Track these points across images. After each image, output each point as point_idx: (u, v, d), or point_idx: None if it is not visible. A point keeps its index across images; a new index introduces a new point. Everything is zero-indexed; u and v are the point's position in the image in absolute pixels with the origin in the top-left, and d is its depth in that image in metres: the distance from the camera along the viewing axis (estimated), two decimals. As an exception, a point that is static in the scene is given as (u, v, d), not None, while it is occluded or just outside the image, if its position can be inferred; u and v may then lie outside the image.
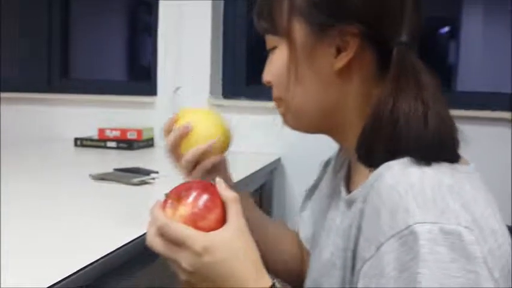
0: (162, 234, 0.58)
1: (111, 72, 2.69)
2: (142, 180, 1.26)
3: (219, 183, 0.61)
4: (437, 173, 0.54)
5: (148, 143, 2.08)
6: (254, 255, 0.59)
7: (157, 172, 1.35)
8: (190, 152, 0.73)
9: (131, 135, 2.00)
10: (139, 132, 2.01)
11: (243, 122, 1.96)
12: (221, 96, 2.19)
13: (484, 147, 1.51)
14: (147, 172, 1.36)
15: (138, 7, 2.54)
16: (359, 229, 0.57)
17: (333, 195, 0.75)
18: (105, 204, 1.06)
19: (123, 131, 2.00)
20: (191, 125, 0.73)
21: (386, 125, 0.57)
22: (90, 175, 1.28)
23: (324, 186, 0.83)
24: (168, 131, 0.75)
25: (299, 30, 0.63)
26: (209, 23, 2.08)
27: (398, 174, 0.53)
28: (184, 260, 0.57)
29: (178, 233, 0.57)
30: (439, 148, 0.56)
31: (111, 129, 2.00)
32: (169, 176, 1.31)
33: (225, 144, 0.75)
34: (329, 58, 0.62)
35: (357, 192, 0.62)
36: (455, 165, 0.56)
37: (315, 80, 0.64)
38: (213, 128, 0.74)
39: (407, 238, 0.48)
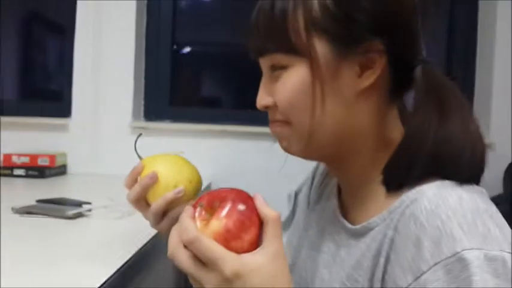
0: (191, 248, 0.50)
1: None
2: (78, 213, 1.09)
3: (258, 198, 0.53)
4: (472, 196, 0.52)
5: (61, 170, 1.87)
6: (287, 284, 0.52)
7: (90, 203, 1.19)
8: (156, 203, 0.67)
9: (43, 162, 1.78)
10: (52, 158, 1.80)
11: (166, 145, 1.85)
12: (143, 118, 2.05)
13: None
14: (77, 203, 1.20)
15: (30, 21, 2.31)
16: (387, 258, 0.53)
17: (323, 227, 0.70)
18: (45, 242, 0.90)
19: (33, 157, 1.77)
20: (156, 174, 0.68)
21: (422, 147, 0.55)
22: (12, 208, 1.09)
23: (300, 219, 0.79)
24: (131, 182, 0.69)
25: (320, 47, 0.56)
26: (132, 39, 1.95)
27: (436, 199, 0.51)
28: (210, 282, 0.50)
29: (210, 252, 0.49)
30: (474, 170, 0.56)
31: (19, 155, 1.77)
32: (107, 206, 1.19)
33: (193, 190, 0.70)
34: (352, 77, 0.57)
35: (374, 221, 0.58)
36: (475, 186, 0.55)
37: (337, 102, 0.58)
38: (180, 174, 0.69)
39: (454, 266, 0.46)
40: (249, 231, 0.51)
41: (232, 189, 0.55)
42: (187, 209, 0.54)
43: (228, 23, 2.20)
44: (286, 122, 0.61)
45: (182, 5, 2.16)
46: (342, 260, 0.62)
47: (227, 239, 0.50)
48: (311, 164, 0.77)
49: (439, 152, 0.54)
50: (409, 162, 0.56)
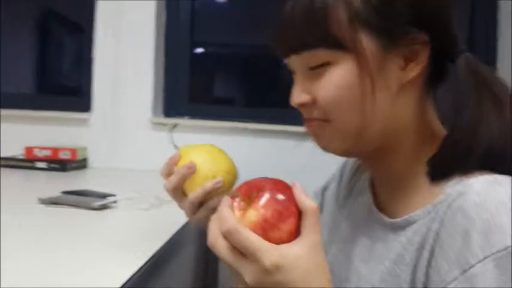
0: (229, 239, 0.50)
1: (20, 85, 2.41)
2: (104, 205, 1.10)
3: (297, 188, 0.52)
4: None
5: (82, 164, 1.88)
6: (326, 277, 0.51)
7: (114, 195, 1.20)
8: (195, 193, 0.67)
9: (64, 155, 1.79)
10: (73, 151, 1.81)
11: (185, 141, 1.85)
12: (162, 115, 2.05)
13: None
14: (102, 195, 1.20)
15: (47, 17, 2.32)
16: (431, 252, 0.53)
17: (355, 222, 0.70)
18: (74, 233, 0.90)
19: (55, 151, 1.79)
20: (194, 164, 0.67)
21: (478, 141, 0.54)
22: (39, 199, 1.10)
23: (328, 216, 0.79)
24: (167, 172, 0.69)
25: (366, 41, 0.55)
26: (152, 37, 1.96)
27: (484, 192, 0.50)
28: (249, 273, 0.49)
29: (249, 242, 0.49)
30: None
31: (41, 148, 1.78)
32: (132, 198, 1.19)
33: (230, 181, 0.69)
34: (397, 70, 0.57)
35: (416, 214, 0.57)
36: None
37: (385, 96, 0.57)
38: (217, 165, 0.69)
39: (504, 259, 0.46)
40: (287, 221, 0.50)
41: (271, 179, 0.54)
42: (226, 199, 0.54)
43: (245, 24, 2.21)
44: (325, 120, 0.59)
45: (200, 6, 2.16)
46: (379, 254, 0.62)
47: (265, 229, 0.49)
48: (332, 161, 0.76)
49: (496, 146, 0.54)
50: (463, 155, 0.55)
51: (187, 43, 2.09)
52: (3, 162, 1.76)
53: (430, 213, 0.56)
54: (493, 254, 0.46)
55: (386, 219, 0.63)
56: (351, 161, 0.80)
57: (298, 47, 0.58)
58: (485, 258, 0.46)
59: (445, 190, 0.55)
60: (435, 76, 0.60)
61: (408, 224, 0.58)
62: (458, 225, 0.50)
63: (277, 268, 0.48)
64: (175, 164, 0.69)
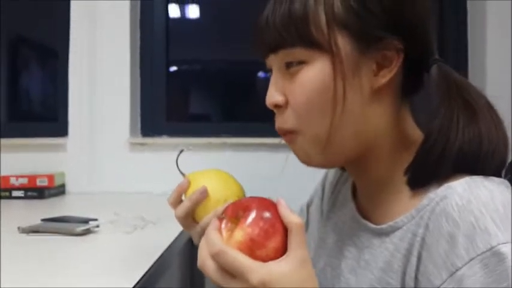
0: (217, 260, 0.51)
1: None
2: (86, 230, 1.08)
3: (281, 205, 0.52)
4: (501, 190, 0.52)
5: (60, 190, 1.85)
6: None
7: (96, 219, 1.18)
8: (209, 217, 0.66)
9: (41, 182, 1.75)
10: (50, 178, 1.77)
11: (165, 159, 1.84)
12: (140, 135, 2.04)
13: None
14: (84, 220, 1.18)
15: (17, 42, 2.29)
16: (419, 257, 0.53)
17: (341, 233, 0.70)
18: (57, 260, 0.88)
19: (32, 178, 1.75)
20: (207, 189, 0.67)
21: (450, 146, 0.55)
22: (19, 228, 1.07)
23: (314, 230, 0.79)
24: (177, 199, 0.70)
25: (342, 42, 0.56)
26: (127, 57, 1.94)
27: (467, 194, 0.51)
28: None
29: (236, 262, 0.50)
30: (497, 163, 0.56)
31: (17, 176, 1.74)
32: (114, 222, 1.17)
33: None
34: (369, 75, 0.57)
35: (401, 220, 0.58)
36: (500, 179, 0.55)
37: (356, 99, 0.57)
38: (228, 189, 0.69)
39: (490, 260, 0.47)
40: (273, 238, 0.51)
41: (256, 198, 0.55)
42: (213, 221, 0.54)
43: (217, 40, 2.22)
44: (294, 132, 0.60)
45: (174, 24, 2.16)
46: (367, 263, 0.62)
47: (251, 248, 0.50)
48: (311, 170, 0.77)
49: (470, 150, 0.54)
50: (437, 161, 0.55)
51: (163, 61, 2.09)
52: (-23, 193, 1.71)
53: (414, 218, 0.56)
54: (479, 255, 0.47)
55: (371, 225, 0.63)
56: (331, 174, 0.81)
57: (277, 46, 0.59)
58: (471, 260, 0.47)
59: (426, 194, 0.56)
60: (410, 84, 0.61)
61: (393, 230, 0.58)
62: (443, 229, 0.50)
63: (263, 284, 0.48)
64: (185, 191, 0.69)
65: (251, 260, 0.50)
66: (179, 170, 0.71)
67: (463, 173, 0.54)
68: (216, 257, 0.51)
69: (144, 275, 0.77)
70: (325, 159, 0.61)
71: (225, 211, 0.55)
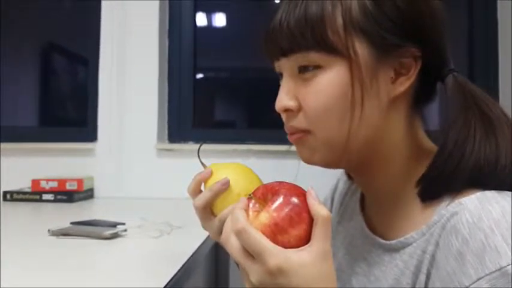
0: (239, 238, 0.50)
1: (22, 119, 2.42)
2: (114, 234, 1.10)
3: (311, 195, 0.51)
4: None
5: (89, 194, 1.89)
6: (332, 286, 0.50)
7: (124, 224, 1.20)
8: (229, 210, 0.63)
9: (71, 186, 1.80)
10: (79, 182, 1.82)
11: (191, 166, 1.86)
12: (167, 141, 2.07)
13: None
14: (112, 224, 1.21)
15: (49, 50, 2.36)
16: (427, 275, 0.52)
17: (350, 247, 0.68)
18: (86, 263, 0.90)
19: (62, 182, 1.79)
20: (229, 180, 0.64)
21: (467, 159, 0.53)
22: (49, 231, 1.10)
23: None
24: (196, 189, 0.67)
25: (360, 48, 0.54)
26: (155, 64, 1.98)
27: (478, 211, 0.49)
28: (254, 273, 0.49)
29: (256, 243, 0.49)
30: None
31: (47, 180, 1.79)
32: (141, 226, 1.20)
33: None
34: (387, 82, 0.56)
35: (411, 236, 0.56)
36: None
37: (374, 106, 0.56)
38: (250, 184, 0.65)
39: (498, 281, 0.45)
40: (298, 227, 0.50)
41: (288, 184, 0.54)
42: (242, 200, 0.53)
43: (245, 48, 2.25)
44: (306, 131, 0.58)
45: (201, 33, 2.20)
46: (376, 279, 0.60)
47: (274, 232, 0.49)
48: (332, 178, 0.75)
49: (487, 164, 0.52)
50: (451, 174, 0.53)
51: (190, 69, 2.12)
52: (9, 196, 1.76)
53: (424, 235, 0.54)
54: (487, 275, 0.45)
55: (381, 241, 0.61)
56: (340, 185, 0.79)
57: (290, 49, 0.56)
58: (478, 279, 0.46)
59: (437, 210, 0.54)
60: (424, 94, 0.60)
61: (403, 246, 0.57)
62: (452, 246, 0.49)
63: (280, 271, 0.47)
64: (205, 180, 0.66)
65: (272, 243, 0.48)
66: (201, 161, 0.69)
67: (478, 187, 0.52)
68: (238, 234, 0.50)
69: (171, 279, 0.78)
70: (330, 161, 0.59)
71: (255, 192, 0.54)
